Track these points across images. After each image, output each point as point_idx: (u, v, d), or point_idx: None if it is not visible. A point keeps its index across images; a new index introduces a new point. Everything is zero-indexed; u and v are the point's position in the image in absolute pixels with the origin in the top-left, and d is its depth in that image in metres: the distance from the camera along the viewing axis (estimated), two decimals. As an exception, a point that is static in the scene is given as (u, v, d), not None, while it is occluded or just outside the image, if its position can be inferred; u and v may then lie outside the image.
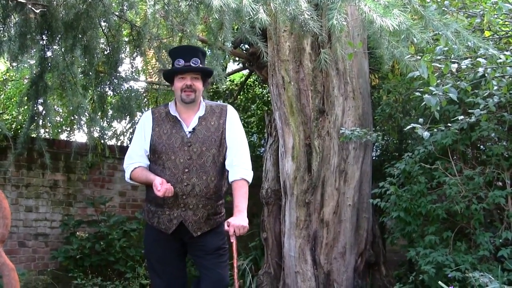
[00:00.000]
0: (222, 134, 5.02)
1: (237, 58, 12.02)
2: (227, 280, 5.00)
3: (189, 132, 4.98)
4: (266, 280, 8.56)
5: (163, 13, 7.15)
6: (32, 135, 8.44)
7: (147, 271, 5.47)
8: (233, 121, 5.12)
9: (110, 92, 8.19)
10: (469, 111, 6.33)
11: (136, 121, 10.34)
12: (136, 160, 5.07)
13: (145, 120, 5.17)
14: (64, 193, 10.23)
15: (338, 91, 8.04)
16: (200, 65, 4.98)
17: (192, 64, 4.93)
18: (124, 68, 11.55)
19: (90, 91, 8.02)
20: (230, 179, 4.98)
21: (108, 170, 10.84)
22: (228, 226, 4.77)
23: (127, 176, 5.13)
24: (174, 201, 4.90)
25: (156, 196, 4.83)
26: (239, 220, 4.76)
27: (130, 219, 10.42)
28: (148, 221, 5.13)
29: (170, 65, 5.32)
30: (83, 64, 7.60)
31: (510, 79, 6.22)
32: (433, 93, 5.69)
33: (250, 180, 5.02)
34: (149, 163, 5.07)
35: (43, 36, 7.08)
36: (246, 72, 12.68)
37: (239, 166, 4.97)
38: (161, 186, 4.71)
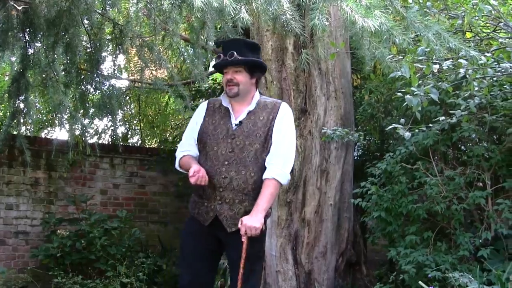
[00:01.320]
0: (269, 130, 4.86)
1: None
2: None
3: (236, 124, 4.88)
4: (247, 279, 8.56)
5: (146, 11, 7.15)
6: (13, 133, 8.40)
7: (178, 261, 5.33)
8: (284, 119, 4.95)
9: (92, 90, 8.17)
10: (450, 112, 6.37)
11: (118, 119, 10.36)
12: (186, 148, 5.02)
13: (200, 109, 5.12)
14: (45, 191, 10.20)
15: (321, 91, 8.05)
16: (239, 57, 4.81)
17: (228, 58, 4.82)
18: (106, 66, 11.52)
19: (71, 88, 7.99)
20: (264, 176, 4.80)
21: (90, 168, 10.82)
22: (241, 224, 4.63)
23: (176, 164, 5.09)
24: (212, 193, 4.82)
25: (198, 187, 4.75)
26: (252, 221, 4.59)
27: (111, 217, 10.38)
28: (191, 211, 5.03)
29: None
30: (65, 62, 7.58)
31: (491, 80, 6.27)
32: (415, 93, 5.72)
33: (283, 183, 4.84)
34: (198, 153, 5.01)
35: (25, 33, 7.05)
36: (229, 71, 12.65)
37: (276, 165, 4.79)
38: (195, 173, 4.62)
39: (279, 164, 4.81)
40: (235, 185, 4.79)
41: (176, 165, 5.11)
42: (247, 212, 4.78)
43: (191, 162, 4.87)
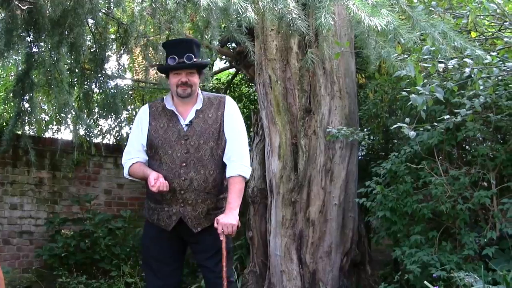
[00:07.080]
0: (221, 126, 4.93)
1: (224, 57, 12.00)
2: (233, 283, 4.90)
3: (186, 125, 4.90)
4: (251, 279, 8.55)
5: (150, 10, 7.15)
6: (18, 132, 8.40)
7: (143, 268, 5.38)
8: (232, 113, 5.02)
9: (96, 90, 8.17)
10: (455, 111, 6.35)
11: (122, 119, 10.36)
12: (134, 155, 5.00)
13: (142, 114, 5.10)
14: (49, 190, 10.20)
15: (325, 91, 8.04)
16: (195, 60, 4.88)
17: (186, 61, 4.84)
18: (110, 66, 11.57)
19: (76, 88, 7.99)
20: (227, 174, 4.86)
21: (94, 168, 10.81)
22: (217, 223, 4.68)
23: (125, 172, 5.05)
24: (173, 197, 4.82)
25: (154, 192, 4.74)
26: (228, 218, 4.66)
27: (115, 217, 10.40)
28: (148, 218, 5.05)
29: (164, 58, 5.18)
30: (69, 62, 7.58)
31: (496, 79, 6.25)
32: (420, 92, 5.70)
33: (247, 177, 4.92)
34: (147, 158, 4.99)
35: (30, 32, 7.05)
36: (233, 70, 12.65)
37: (236, 161, 4.86)
38: (155, 181, 4.63)
39: (240, 159, 4.89)
40: (196, 185, 4.83)
41: (125, 174, 5.09)
42: (210, 210, 4.89)
43: (145, 169, 4.90)
